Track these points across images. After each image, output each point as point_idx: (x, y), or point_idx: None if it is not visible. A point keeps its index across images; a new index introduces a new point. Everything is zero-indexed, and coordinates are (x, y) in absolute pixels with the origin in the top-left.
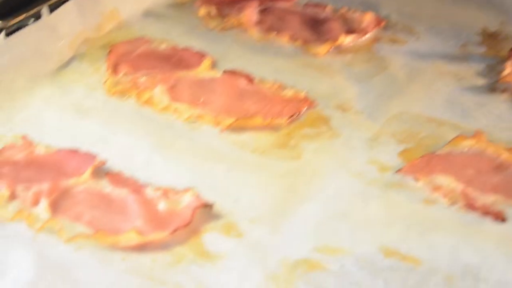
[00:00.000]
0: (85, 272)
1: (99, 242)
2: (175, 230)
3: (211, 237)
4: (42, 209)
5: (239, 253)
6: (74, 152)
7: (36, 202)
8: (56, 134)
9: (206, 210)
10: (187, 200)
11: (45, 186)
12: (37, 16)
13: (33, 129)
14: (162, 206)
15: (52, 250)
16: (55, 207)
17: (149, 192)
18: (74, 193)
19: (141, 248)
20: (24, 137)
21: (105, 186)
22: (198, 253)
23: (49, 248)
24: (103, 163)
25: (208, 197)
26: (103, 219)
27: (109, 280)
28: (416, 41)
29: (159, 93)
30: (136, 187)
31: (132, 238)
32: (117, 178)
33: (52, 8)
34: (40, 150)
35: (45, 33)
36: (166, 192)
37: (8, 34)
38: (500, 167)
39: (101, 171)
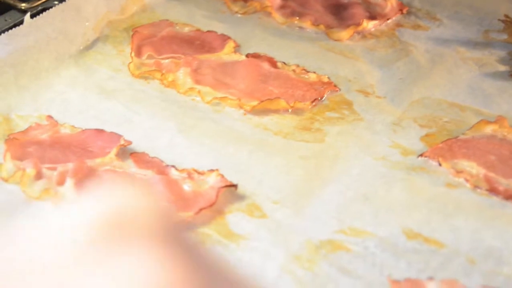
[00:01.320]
0: None
1: None
2: (200, 210)
3: (235, 217)
4: (68, 189)
5: (262, 234)
6: (99, 132)
7: (62, 181)
8: (81, 115)
9: (230, 191)
10: (211, 180)
11: (70, 166)
12: None
13: (58, 109)
14: (187, 187)
15: None
16: (80, 187)
17: (174, 173)
18: (99, 173)
19: None
20: (49, 117)
21: (130, 166)
22: (222, 234)
23: None
24: (129, 143)
25: (232, 179)
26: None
27: None
28: (439, 27)
29: (183, 75)
30: (161, 168)
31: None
32: (142, 159)
33: None
34: (65, 130)
35: (70, 14)
36: (190, 173)
37: (33, 16)
38: None
39: (126, 152)
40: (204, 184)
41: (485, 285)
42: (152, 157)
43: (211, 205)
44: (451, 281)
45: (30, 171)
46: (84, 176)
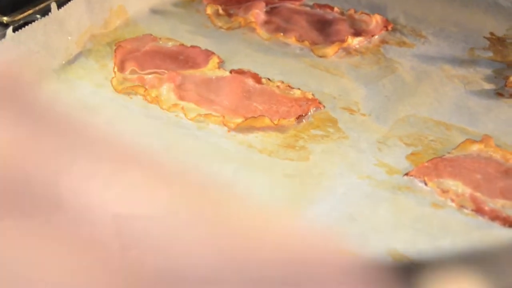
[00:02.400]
0: None
1: None
2: None
3: None
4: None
5: None
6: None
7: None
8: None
9: None
10: None
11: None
12: (43, 12)
13: None
14: None
15: None
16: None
17: None
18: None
19: None
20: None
21: None
22: None
23: None
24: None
25: None
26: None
27: None
28: (424, 44)
29: (166, 91)
30: None
31: None
32: None
33: (59, 4)
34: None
35: (52, 28)
36: None
37: (15, 29)
38: (508, 172)
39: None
40: None
41: None
42: None
43: None
44: None
45: None
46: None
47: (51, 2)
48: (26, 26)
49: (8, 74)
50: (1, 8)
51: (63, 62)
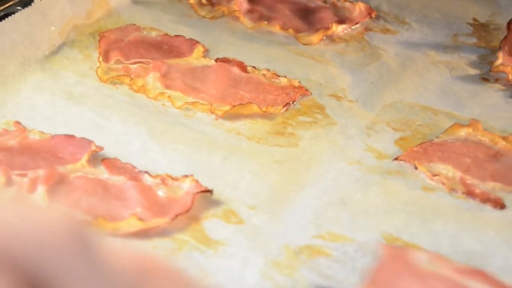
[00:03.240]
0: None
1: (100, 228)
2: (176, 216)
3: (212, 223)
4: (39, 196)
5: (240, 240)
6: (69, 138)
7: (33, 188)
8: (49, 121)
9: (205, 197)
10: (186, 186)
11: (41, 172)
12: (24, 4)
13: (25, 115)
14: (161, 192)
15: None
16: (52, 193)
17: (147, 179)
18: (71, 179)
19: (142, 235)
20: (17, 123)
21: (102, 172)
22: (199, 240)
23: None
24: (101, 148)
25: (206, 184)
26: (102, 205)
27: None
28: (408, 31)
29: (152, 80)
30: (134, 174)
31: (133, 224)
32: (113, 165)
33: None
34: (34, 136)
35: (35, 19)
36: (164, 179)
37: None
38: (496, 155)
39: (97, 158)
40: (179, 190)
41: None
42: (125, 163)
43: (186, 211)
44: (438, 254)
45: (0, 178)
46: (55, 183)
47: None
48: (9, 17)
49: None
50: None
51: (47, 52)
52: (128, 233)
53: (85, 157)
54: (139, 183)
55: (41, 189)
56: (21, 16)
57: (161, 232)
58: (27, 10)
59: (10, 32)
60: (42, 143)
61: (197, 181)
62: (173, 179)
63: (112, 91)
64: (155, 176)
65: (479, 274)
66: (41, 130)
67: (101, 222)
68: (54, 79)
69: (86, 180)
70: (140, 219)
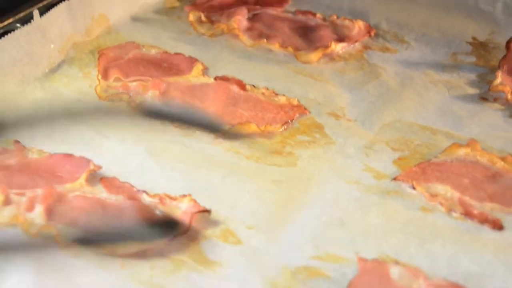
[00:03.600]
0: (86, 279)
1: (97, 249)
2: (173, 237)
3: (210, 244)
4: (37, 215)
5: (238, 260)
6: (68, 156)
7: (31, 207)
8: (48, 139)
9: (204, 217)
10: (184, 206)
11: (39, 191)
12: (24, 21)
13: (24, 134)
14: (159, 212)
15: (50, 255)
16: (50, 212)
17: (146, 198)
18: (69, 198)
19: (140, 255)
20: (16, 142)
21: (101, 191)
22: (198, 261)
23: (47, 253)
24: (99, 168)
25: (204, 204)
26: (100, 226)
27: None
28: (407, 50)
29: (151, 98)
30: (132, 193)
31: (133, 247)
32: (112, 184)
33: (40, 12)
34: (33, 155)
35: (35, 36)
36: (162, 199)
37: None
38: (495, 176)
39: (95, 177)
40: (177, 210)
41: None
42: (123, 182)
43: (184, 232)
44: (415, 268)
45: None
46: (53, 202)
47: (31, 11)
48: (9, 34)
49: None
50: None
51: (46, 70)
52: (126, 254)
53: (83, 176)
54: (137, 202)
55: (39, 208)
56: (21, 33)
57: (159, 252)
58: (27, 27)
59: (10, 50)
60: (41, 162)
61: (195, 201)
62: (171, 198)
63: (111, 109)
64: (153, 196)
65: None
66: (40, 149)
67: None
68: (54, 97)
69: (84, 199)
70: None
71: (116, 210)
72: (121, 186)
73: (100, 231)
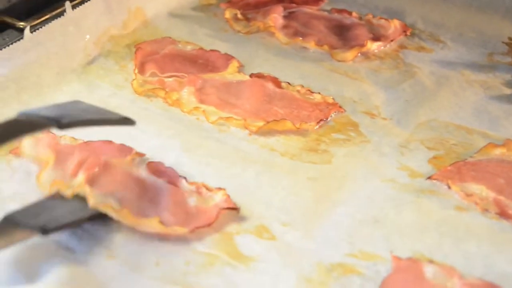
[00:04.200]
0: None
1: (122, 219)
2: (195, 229)
3: (244, 239)
4: (78, 182)
5: (272, 256)
6: (109, 143)
7: (75, 173)
8: (85, 132)
9: (237, 213)
10: (217, 199)
11: (89, 159)
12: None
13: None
14: (192, 201)
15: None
16: (92, 180)
17: (184, 184)
18: (113, 172)
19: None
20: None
21: (144, 173)
22: (231, 255)
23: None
24: (143, 155)
25: (239, 199)
26: (134, 201)
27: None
28: (443, 50)
29: (187, 94)
30: (173, 178)
31: (153, 226)
32: (157, 168)
33: (75, 5)
34: (65, 141)
35: (70, 29)
36: (199, 187)
37: (32, 30)
38: None
39: (142, 160)
40: (210, 201)
41: None
42: (168, 167)
43: (208, 225)
44: (450, 267)
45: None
46: (98, 172)
47: (67, 3)
48: (43, 27)
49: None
50: (16, 13)
51: (83, 62)
52: (147, 232)
53: (130, 156)
54: (175, 187)
55: (81, 175)
56: (55, 26)
57: (182, 239)
58: (61, 20)
59: (45, 42)
60: (79, 146)
61: (228, 196)
62: (207, 189)
63: (147, 104)
64: (192, 183)
65: None
66: (73, 136)
67: (126, 214)
68: (90, 89)
69: (127, 175)
70: (162, 222)
71: (152, 192)
72: (165, 171)
73: (133, 204)
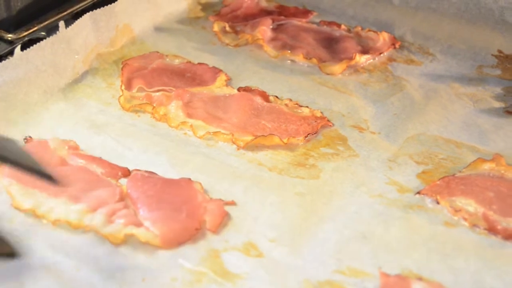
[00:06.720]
0: None
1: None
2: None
3: (232, 256)
4: None
5: (259, 274)
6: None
7: None
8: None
9: (225, 228)
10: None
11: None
12: (48, 29)
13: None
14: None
15: None
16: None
17: None
18: None
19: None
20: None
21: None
22: (218, 273)
23: None
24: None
25: (227, 215)
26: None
27: None
28: (432, 62)
29: (174, 109)
30: None
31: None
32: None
33: (66, 21)
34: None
35: (60, 47)
36: None
37: (23, 48)
38: None
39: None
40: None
41: None
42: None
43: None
44: (438, 284)
45: None
46: None
47: (55, 19)
48: (34, 45)
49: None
50: (5, 25)
51: (70, 80)
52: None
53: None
54: None
55: None
56: (46, 44)
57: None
58: (52, 38)
59: (35, 60)
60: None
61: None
62: None
63: (134, 120)
64: None
65: None
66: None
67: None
68: (77, 107)
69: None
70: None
71: None
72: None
73: None
